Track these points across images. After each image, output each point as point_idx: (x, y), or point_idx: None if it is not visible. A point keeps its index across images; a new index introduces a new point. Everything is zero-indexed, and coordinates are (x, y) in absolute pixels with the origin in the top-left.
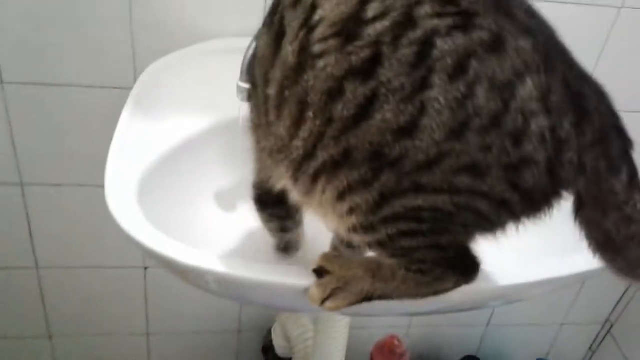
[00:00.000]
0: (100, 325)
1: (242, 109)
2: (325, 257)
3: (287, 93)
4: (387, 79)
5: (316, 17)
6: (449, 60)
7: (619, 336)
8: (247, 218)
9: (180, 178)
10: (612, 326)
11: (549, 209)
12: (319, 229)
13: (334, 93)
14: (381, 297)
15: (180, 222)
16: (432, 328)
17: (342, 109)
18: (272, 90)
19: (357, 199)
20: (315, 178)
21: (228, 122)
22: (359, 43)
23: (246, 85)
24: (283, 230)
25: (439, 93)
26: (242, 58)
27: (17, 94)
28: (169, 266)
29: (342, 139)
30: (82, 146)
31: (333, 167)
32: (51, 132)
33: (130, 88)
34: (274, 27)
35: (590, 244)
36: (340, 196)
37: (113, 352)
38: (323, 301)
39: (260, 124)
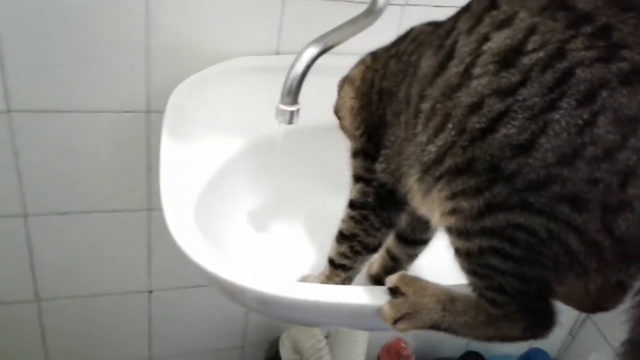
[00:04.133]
0: (100, 354)
1: (280, 131)
2: (402, 278)
3: (438, 107)
4: (524, 97)
5: (485, 48)
6: (582, 87)
7: (597, 319)
8: (279, 239)
9: (222, 201)
10: None
11: None
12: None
13: (475, 107)
14: (447, 330)
15: (231, 246)
16: None
17: (475, 122)
18: (426, 105)
19: (464, 202)
20: (438, 179)
21: (257, 142)
22: (512, 70)
23: (288, 108)
24: (367, 248)
25: (562, 116)
26: (258, 76)
27: (25, 122)
28: (241, 295)
29: (469, 149)
30: (90, 172)
31: (455, 172)
32: (58, 160)
33: (143, 112)
34: (443, 51)
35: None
36: (450, 197)
37: None
38: (395, 321)
39: (406, 137)
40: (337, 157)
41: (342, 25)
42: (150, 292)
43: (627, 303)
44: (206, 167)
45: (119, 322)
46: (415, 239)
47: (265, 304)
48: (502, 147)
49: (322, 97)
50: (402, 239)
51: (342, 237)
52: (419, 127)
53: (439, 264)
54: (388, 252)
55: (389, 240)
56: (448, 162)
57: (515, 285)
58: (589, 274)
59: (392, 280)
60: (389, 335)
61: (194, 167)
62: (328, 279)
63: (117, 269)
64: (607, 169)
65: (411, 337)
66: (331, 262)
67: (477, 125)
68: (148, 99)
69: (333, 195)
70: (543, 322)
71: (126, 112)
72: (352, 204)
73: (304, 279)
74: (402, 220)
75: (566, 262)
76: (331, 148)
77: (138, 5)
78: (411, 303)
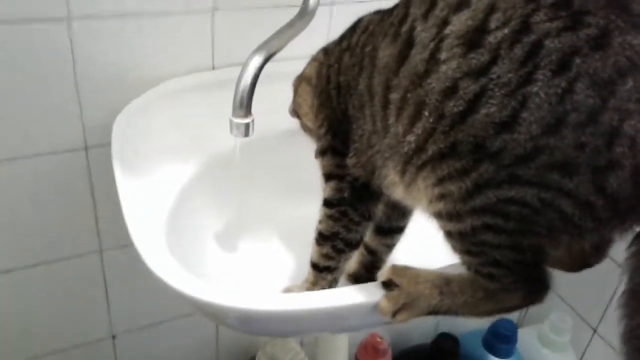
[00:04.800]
0: None
1: (237, 145)
2: (394, 269)
3: (409, 96)
4: (497, 75)
5: (446, 32)
6: (554, 57)
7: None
8: (253, 255)
9: (190, 225)
10: None
11: (636, 224)
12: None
13: (448, 92)
14: (446, 313)
15: (209, 269)
16: None
17: (452, 106)
18: (395, 96)
19: (452, 186)
20: (421, 168)
21: (211, 161)
22: (480, 50)
23: (243, 121)
24: (350, 244)
25: (540, 88)
26: (198, 93)
27: None
28: (237, 316)
29: (451, 133)
30: (31, 222)
31: (439, 158)
32: None
33: (81, 149)
34: (400, 39)
35: (628, 287)
36: (436, 183)
37: None
38: (394, 313)
39: (375, 129)
40: (295, 162)
41: (280, 30)
42: (113, 337)
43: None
44: (166, 195)
45: None
46: (391, 227)
47: (261, 321)
48: (484, 126)
49: (268, 105)
50: (378, 230)
51: (322, 238)
52: (391, 119)
53: (417, 252)
54: (365, 246)
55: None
56: (431, 150)
57: (510, 257)
58: (584, 234)
59: (383, 274)
60: (362, 333)
61: (154, 197)
62: (314, 285)
63: (75, 319)
64: (592, 132)
65: (385, 331)
66: (315, 266)
67: (455, 109)
68: (85, 134)
69: (298, 201)
70: (539, 287)
71: (64, 151)
72: (327, 203)
73: (287, 291)
74: (379, 210)
75: (561, 227)
76: (287, 154)
77: (61, 37)
78: (407, 293)
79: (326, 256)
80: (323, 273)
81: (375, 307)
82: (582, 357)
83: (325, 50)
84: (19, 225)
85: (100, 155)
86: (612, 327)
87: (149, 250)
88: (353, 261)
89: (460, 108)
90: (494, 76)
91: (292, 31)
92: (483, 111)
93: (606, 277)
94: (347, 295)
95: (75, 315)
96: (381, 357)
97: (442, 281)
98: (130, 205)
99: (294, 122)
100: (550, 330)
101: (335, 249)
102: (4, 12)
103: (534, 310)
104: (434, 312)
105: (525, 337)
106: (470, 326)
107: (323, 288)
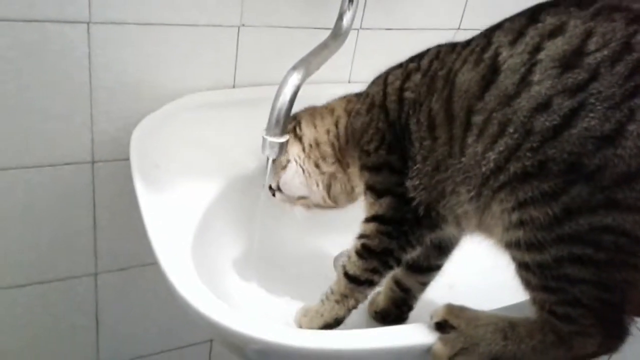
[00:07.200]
0: None
1: (269, 165)
2: (451, 309)
3: (494, 115)
4: (598, 90)
5: (540, 57)
6: None
7: None
8: (272, 285)
9: (216, 247)
10: None
11: None
12: None
13: (541, 108)
14: None
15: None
16: None
17: (544, 121)
18: (478, 118)
19: (535, 211)
20: (499, 190)
21: (234, 182)
22: (577, 70)
23: (278, 140)
24: (399, 262)
25: None
26: (217, 111)
27: None
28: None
29: (540, 150)
30: (25, 238)
31: (523, 178)
32: None
33: (88, 162)
34: (483, 65)
35: None
36: (516, 208)
37: None
38: (449, 359)
39: (451, 152)
40: None
41: (315, 50)
42: None
43: None
44: (191, 214)
45: None
46: (430, 265)
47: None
48: (582, 141)
49: None
50: (415, 267)
51: (369, 253)
52: (470, 139)
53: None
54: (397, 283)
55: (398, 271)
56: (513, 168)
57: (594, 295)
58: None
59: (438, 313)
60: None
61: (178, 215)
62: (346, 298)
63: (59, 345)
64: None
65: None
66: (353, 279)
67: (548, 124)
68: (93, 147)
69: (319, 232)
70: (619, 333)
71: (67, 164)
72: (381, 219)
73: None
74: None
75: None
76: None
77: (79, 41)
78: (466, 336)
79: (373, 270)
80: (362, 287)
81: (428, 351)
82: None
83: (359, 94)
84: (10, 240)
85: (107, 171)
86: None
87: (175, 270)
88: (382, 297)
89: (554, 122)
90: (594, 91)
91: (327, 51)
92: (582, 125)
93: None
94: (399, 335)
95: (60, 342)
96: None
97: (507, 324)
98: (154, 222)
99: None
100: None
101: (385, 264)
102: (20, 10)
103: None
104: (494, 359)
105: None
106: None
107: (357, 301)
